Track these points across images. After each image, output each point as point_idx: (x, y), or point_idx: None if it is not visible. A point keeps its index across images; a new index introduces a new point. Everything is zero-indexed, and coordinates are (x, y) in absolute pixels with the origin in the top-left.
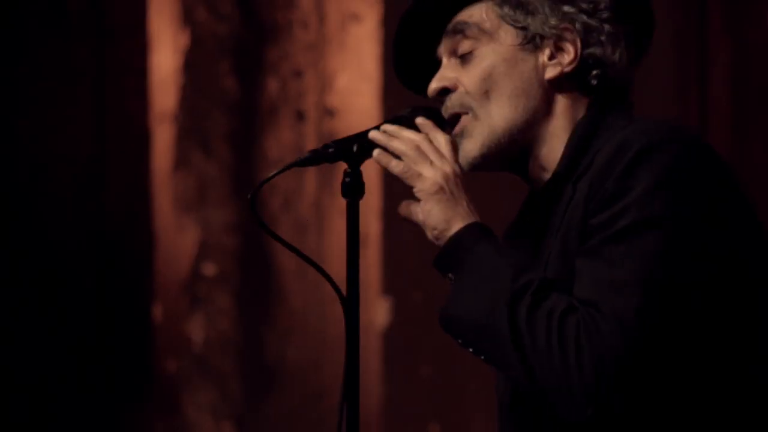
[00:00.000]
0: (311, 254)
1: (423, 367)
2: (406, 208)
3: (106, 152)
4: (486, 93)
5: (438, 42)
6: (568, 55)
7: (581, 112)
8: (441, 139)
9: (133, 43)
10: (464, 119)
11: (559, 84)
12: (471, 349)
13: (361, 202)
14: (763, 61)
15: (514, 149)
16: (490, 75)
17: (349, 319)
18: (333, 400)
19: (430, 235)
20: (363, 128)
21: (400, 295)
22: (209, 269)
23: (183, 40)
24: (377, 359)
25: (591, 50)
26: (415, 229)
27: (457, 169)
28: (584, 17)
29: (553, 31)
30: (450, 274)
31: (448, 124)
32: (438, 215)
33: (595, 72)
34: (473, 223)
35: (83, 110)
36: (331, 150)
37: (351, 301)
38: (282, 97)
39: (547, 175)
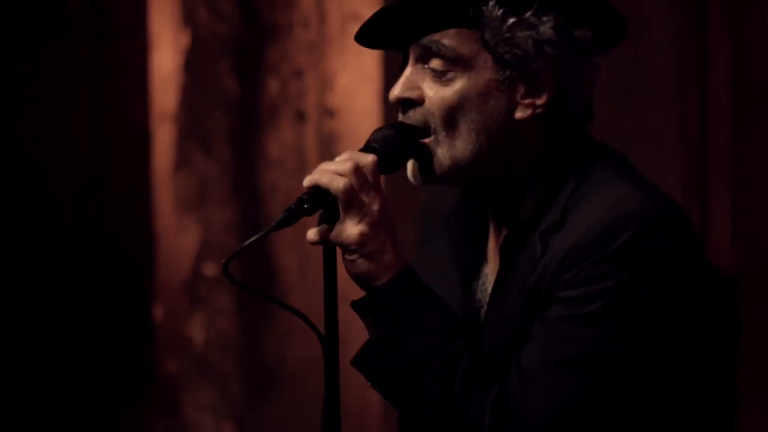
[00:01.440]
0: (310, 254)
1: None
2: (319, 234)
3: (106, 152)
4: (452, 122)
5: (407, 31)
6: (542, 98)
7: (544, 148)
8: (369, 167)
9: (134, 43)
10: (428, 140)
11: (527, 123)
12: (381, 393)
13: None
14: (763, 61)
15: (476, 181)
16: (460, 105)
17: (328, 358)
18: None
19: (354, 279)
20: (363, 128)
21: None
22: (210, 269)
23: (183, 40)
24: None
25: (565, 90)
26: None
27: (384, 205)
28: (565, 56)
29: (532, 70)
30: (369, 319)
31: (415, 133)
32: (363, 266)
33: (564, 112)
34: (401, 273)
35: (83, 110)
36: (306, 206)
37: (330, 340)
38: (282, 97)
39: (507, 211)
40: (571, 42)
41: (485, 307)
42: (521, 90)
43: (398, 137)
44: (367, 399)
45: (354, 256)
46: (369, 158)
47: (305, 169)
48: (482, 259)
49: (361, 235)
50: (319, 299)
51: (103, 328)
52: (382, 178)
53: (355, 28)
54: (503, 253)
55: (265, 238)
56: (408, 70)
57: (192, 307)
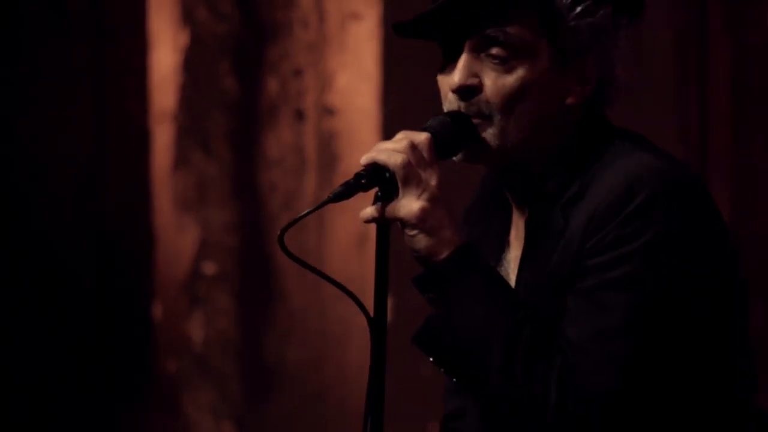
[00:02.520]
0: (310, 254)
1: (423, 367)
2: (377, 211)
3: (105, 152)
4: (509, 109)
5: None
6: (591, 84)
7: (578, 129)
8: (425, 144)
9: (133, 42)
10: (480, 122)
11: (573, 108)
12: (444, 370)
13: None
14: (763, 61)
15: (516, 163)
16: (520, 93)
17: (376, 341)
18: (333, 400)
19: (414, 255)
20: (362, 127)
21: (400, 295)
22: (209, 269)
23: (183, 39)
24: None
25: (611, 76)
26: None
27: (440, 181)
28: (614, 44)
29: (587, 58)
30: (431, 294)
31: (467, 119)
32: (423, 241)
33: (606, 97)
34: (461, 248)
35: (83, 110)
36: (364, 182)
37: (378, 323)
38: (282, 96)
39: (532, 193)
40: (619, 29)
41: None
42: (574, 77)
43: (453, 124)
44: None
45: (414, 231)
46: (424, 136)
47: (304, 168)
48: (504, 247)
49: (422, 210)
50: (320, 299)
51: (103, 328)
52: None
53: (354, 27)
54: (527, 231)
55: (306, 217)
56: (464, 59)
57: (191, 306)
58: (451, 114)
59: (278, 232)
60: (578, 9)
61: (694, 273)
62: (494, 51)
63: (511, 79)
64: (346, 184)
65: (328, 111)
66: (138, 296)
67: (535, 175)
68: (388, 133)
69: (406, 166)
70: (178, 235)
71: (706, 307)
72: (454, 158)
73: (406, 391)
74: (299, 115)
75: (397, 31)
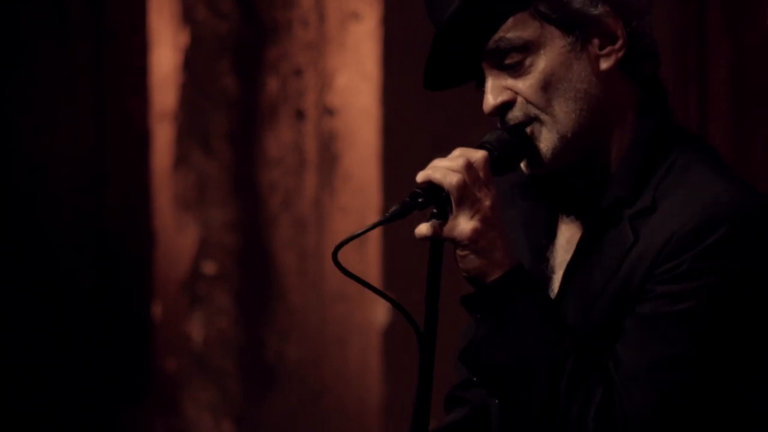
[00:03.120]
0: (310, 253)
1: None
2: (432, 229)
3: (105, 151)
4: (549, 100)
5: (470, 50)
6: (617, 42)
7: (635, 107)
8: (480, 163)
9: (133, 42)
10: (531, 126)
11: (614, 74)
12: (486, 389)
13: (360, 201)
14: (762, 61)
15: (581, 153)
16: (549, 83)
17: (425, 356)
18: (333, 400)
19: (464, 275)
20: (362, 127)
21: (400, 295)
22: (209, 268)
23: (183, 38)
24: (377, 359)
25: (633, 27)
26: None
27: (495, 202)
28: None
29: (597, 19)
30: (478, 314)
31: (515, 131)
32: (474, 262)
33: (639, 51)
34: (511, 271)
35: (83, 109)
36: (420, 200)
37: (428, 337)
38: (282, 95)
39: (592, 190)
40: None
41: (558, 281)
42: (596, 42)
43: (510, 139)
44: (367, 398)
45: (466, 252)
46: (480, 154)
47: (304, 167)
48: (542, 240)
49: (474, 231)
50: (319, 298)
51: (102, 327)
52: None
53: (354, 27)
54: (585, 234)
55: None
56: (489, 82)
57: (191, 305)
58: (508, 128)
59: (280, 232)
60: None
61: (760, 313)
62: (507, 60)
63: (536, 77)
64: (403, 203)
65: (328, 111)
66: (138, 295)
67: (598, 175)
68: (387, 133)
69: (461, 186)
70: (178, 234)
71: (762, 348)
72: (527, 171)
73: (406, 390)
74: (299, 115)
75: (430, 88)
